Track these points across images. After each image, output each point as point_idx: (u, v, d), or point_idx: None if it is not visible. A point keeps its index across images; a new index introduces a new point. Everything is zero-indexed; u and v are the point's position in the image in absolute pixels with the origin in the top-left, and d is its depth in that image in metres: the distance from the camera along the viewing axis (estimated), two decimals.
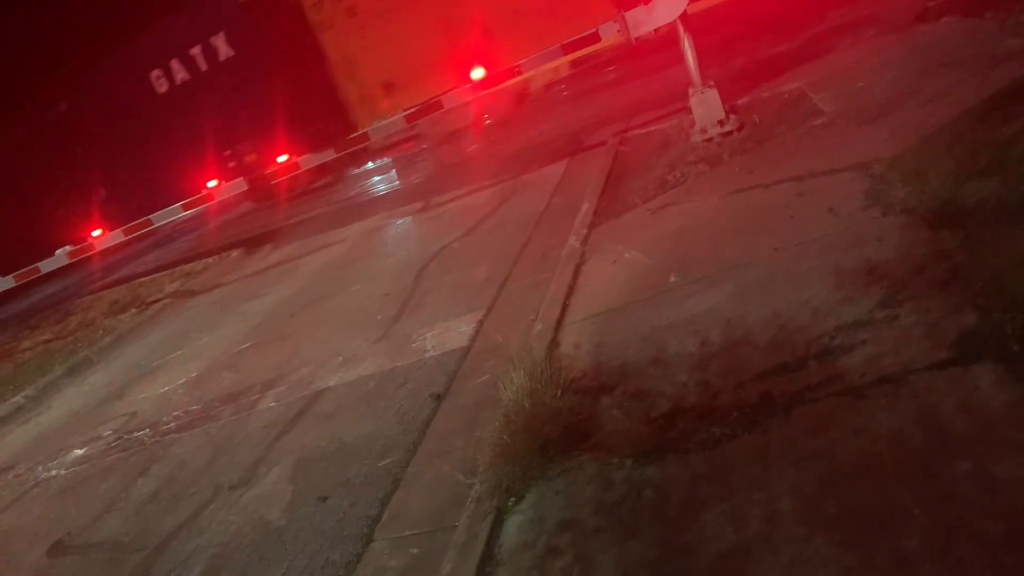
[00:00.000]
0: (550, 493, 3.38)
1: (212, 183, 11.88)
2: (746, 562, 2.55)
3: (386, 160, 17.20)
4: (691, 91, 7.78)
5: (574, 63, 14.71)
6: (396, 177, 15.19)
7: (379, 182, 15.51)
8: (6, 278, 12.82)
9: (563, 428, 3.70)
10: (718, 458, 3.12)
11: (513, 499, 3.44)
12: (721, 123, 7.60)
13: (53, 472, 6.76)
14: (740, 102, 8.26)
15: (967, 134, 4.77)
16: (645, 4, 7.72)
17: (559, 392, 3.96)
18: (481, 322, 5.95)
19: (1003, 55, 5.93)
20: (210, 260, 13.86)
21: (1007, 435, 2.56)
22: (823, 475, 2.76)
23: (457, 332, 5.95)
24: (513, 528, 3.28)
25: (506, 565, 3.10)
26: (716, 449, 3.17)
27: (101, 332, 11.45)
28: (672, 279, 4.95)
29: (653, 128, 9.26)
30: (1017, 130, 4.45)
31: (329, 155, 10.83)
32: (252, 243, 14.08)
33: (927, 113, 5.62)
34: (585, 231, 6.57)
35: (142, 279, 14.65)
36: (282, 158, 11.39)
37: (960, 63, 6.26)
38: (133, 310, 12.20)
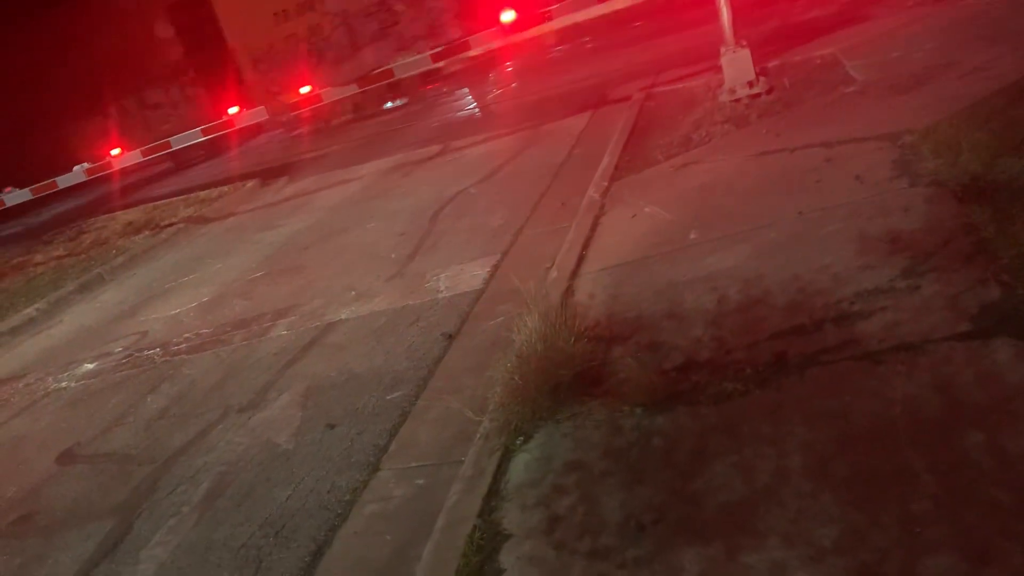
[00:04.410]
0: (559, 435, 3.41)
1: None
2: (753, 513, 2.58)
3: (404, 100, 17.06)
4: (723, 50, 7.65)
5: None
6: (415, 117, 15.06)
7: (397, 121, 15.39)
8: (23, 191, 12.84)
9: (575, 373, 3.71)
10: (729, 412, 3.14)
11: (521, 438, 3.47)
12: (750, 84, 7.49)
13: (63, 384, 6.84)
14: (771, 65, 8.13)
15: (1004, 110, 4.70)
16: None
17: (572, 338, 3.95)
18: (496, 266, 5.96)
19: None
20: (225, 188, 13.84)
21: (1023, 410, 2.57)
22: (834, 435, 2.78)
23: (471, 275, 5.96)
24: (520, 466, 3.32)
25: (512, 500, 3.14)
26: (728, 403, 3.19)
27: (114, 252, 11.49)
28: (692, 236, 4.93)
29: (680, 85, 9.14)
30: None
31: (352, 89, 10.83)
32: (267, 175, 14.03)
33: (963, 86, 5.53)
34: (606, 184, 6.52)
35: (157, 203, 14.63)
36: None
37: (1000, 38, 6.14)
38: (147, 232, 12.22)
